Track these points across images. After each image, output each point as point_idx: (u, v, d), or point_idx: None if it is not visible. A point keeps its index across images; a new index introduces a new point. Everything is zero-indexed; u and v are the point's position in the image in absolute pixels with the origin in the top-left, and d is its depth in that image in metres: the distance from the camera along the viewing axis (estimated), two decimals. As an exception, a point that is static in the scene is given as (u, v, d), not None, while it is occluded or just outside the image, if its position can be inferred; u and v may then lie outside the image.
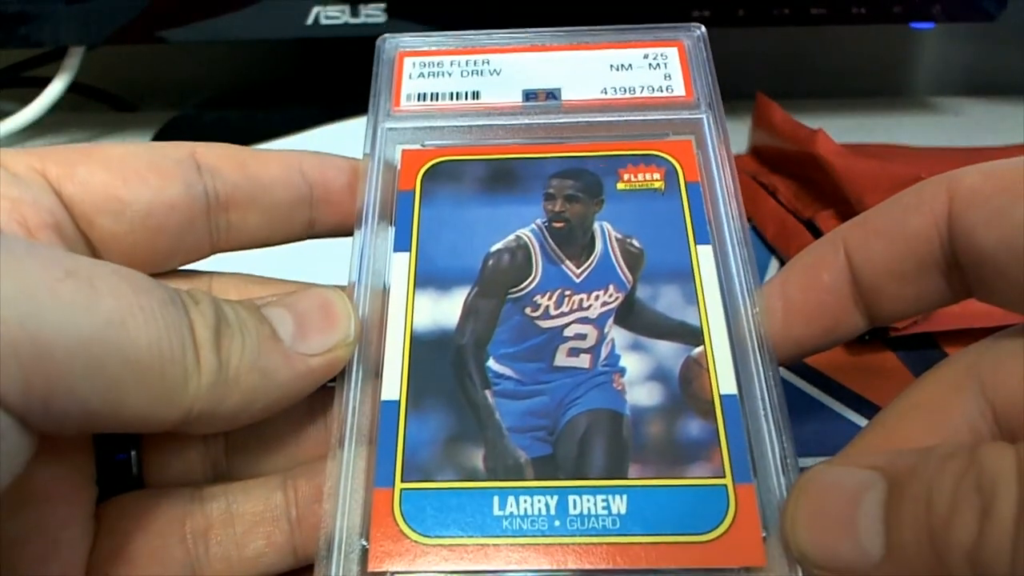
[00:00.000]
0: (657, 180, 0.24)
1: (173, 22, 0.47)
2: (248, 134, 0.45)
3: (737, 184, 0.24)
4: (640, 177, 0.25)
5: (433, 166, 0.25)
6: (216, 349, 0.18)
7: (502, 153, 0.25)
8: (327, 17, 0.47)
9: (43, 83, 0.50)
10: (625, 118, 0.26)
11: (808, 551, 0.17)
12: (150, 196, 0.22)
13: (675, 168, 0.25)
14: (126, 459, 0.22)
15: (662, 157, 0.25)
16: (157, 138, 0.52)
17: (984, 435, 0.19)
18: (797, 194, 0.41)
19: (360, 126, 0.26)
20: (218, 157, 0.23)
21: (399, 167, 0.25)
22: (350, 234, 0.24)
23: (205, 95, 0.58)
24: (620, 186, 0.24)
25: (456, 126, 0.26)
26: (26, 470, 0.17)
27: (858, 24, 0.47)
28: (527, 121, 0.26)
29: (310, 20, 0.47)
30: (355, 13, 0.47)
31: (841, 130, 0.43)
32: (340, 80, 0.49)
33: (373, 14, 0.47)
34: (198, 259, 0.24)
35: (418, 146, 0.26)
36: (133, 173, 0.22)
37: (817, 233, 0.38)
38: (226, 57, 0.59)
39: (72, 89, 0.51)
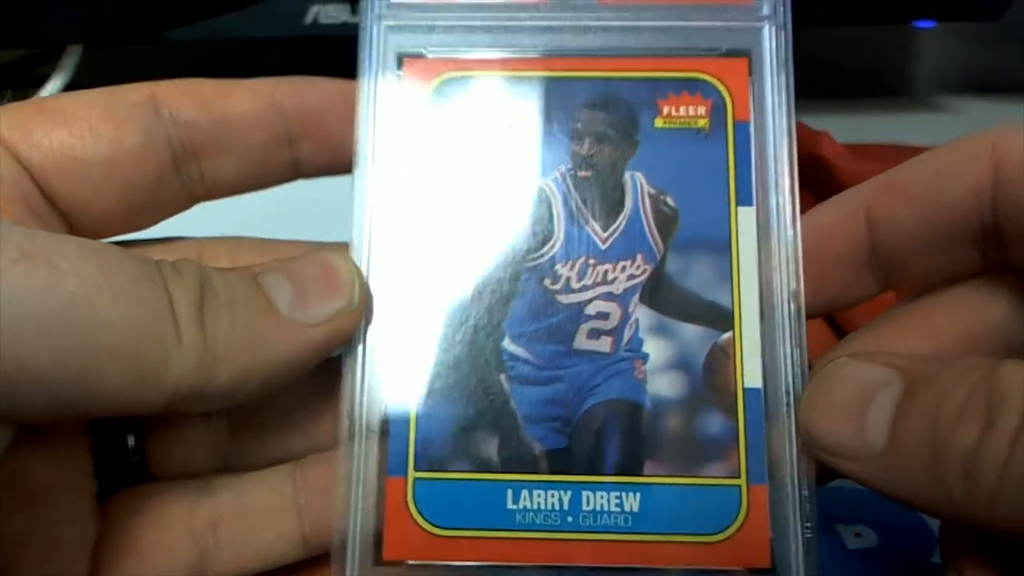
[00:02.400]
0: (701, 116, 0.22)
1: (173, 22, 0.47)
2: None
3: (793, 126, 0.21)
4: (682, 111, 0.22)
5: (443, 83, 0.22)
6: (200, 323, 0.17)
7: (524, 68, 0.22)
8: (327, 17, 0.47)
9: (42, 82, 0.49)
10: (670, 23, 0.22)
11: (815, 433, 0.18)
12: (108, 151, 0.21)
13: (724, 100, 0.22)
14: (124, 449, 0.21)
15: (710, 84, 0.22)
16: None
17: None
18: (800, 196, 0.41)
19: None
20: (180, 96, 0.22)
21: (402, 85, 0.22)
22: (347, 171, 0.21)
23: (204, 95, 0.58)
24: (658, 123, 0.22)
25: (469, 26, 0.22)
26: (20, 468, 0.16)
27: (858, 24, 0.47)
28: (554, 23, 0.22)
29: (309, 19, 0.47)
30: (355, 12, 0.47)
31: (841, 130, 0.43)
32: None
33: (374, 13, 0.47)
34: (181, 211, 0.23)
35: (422, 54, 0.22)
36: (87, 128, 0.21)
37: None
38: (226, 57, 0.59)
39: (71, 89, 0.50)
